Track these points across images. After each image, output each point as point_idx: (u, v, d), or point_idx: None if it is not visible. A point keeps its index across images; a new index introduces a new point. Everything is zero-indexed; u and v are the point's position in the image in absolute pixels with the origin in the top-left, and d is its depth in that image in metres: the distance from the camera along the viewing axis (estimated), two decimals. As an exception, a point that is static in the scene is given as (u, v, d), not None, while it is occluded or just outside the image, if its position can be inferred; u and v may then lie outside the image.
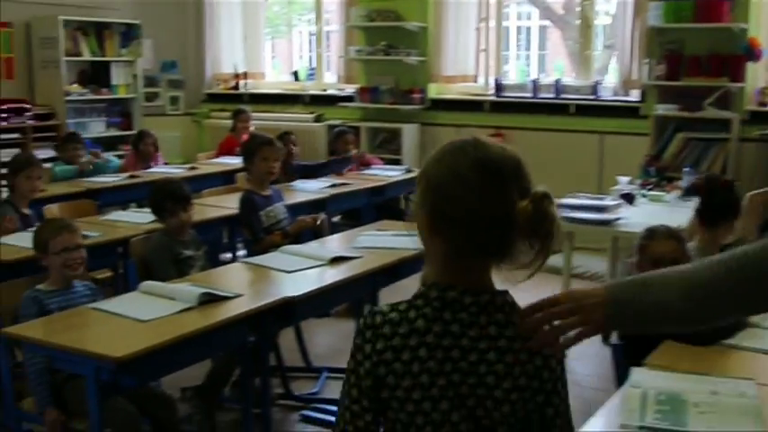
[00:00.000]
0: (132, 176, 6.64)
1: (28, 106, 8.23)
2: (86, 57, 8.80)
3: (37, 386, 3.13)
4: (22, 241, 4.05)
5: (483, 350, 1.55)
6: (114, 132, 8.96)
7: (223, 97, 9.64)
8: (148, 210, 4.44)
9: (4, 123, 7.98)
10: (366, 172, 6.94)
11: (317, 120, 8.85)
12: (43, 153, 8.09)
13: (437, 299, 1.57)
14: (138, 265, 4.01)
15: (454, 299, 1.57)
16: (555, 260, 4.18)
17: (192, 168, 7.20)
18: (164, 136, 8.98)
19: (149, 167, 7.10)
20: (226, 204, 5.43)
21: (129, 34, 9.08)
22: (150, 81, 9.50)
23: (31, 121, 8.19)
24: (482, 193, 1.53)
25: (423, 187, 1.59)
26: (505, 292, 1.61)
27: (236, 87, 9.60)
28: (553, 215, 1.54)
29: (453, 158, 1.58)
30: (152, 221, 4.47)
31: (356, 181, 6.57)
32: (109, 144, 8.82)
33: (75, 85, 8.72)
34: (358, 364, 1.58)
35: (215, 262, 5.27)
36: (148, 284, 3.39)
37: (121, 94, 9.06)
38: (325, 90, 9.21)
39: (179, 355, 2.97)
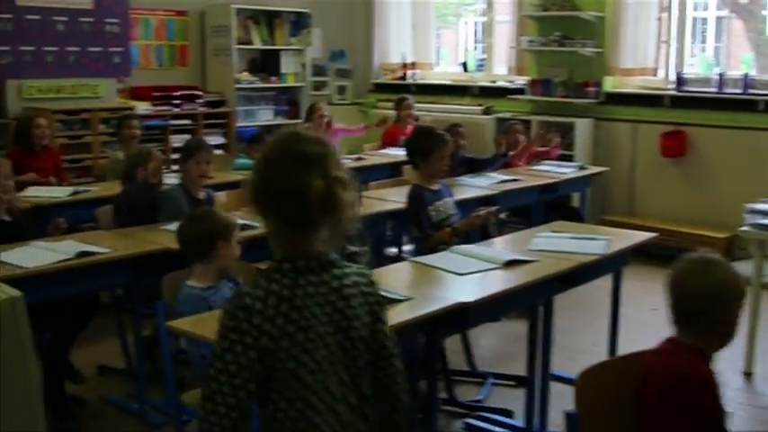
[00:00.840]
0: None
1: (200, 93, 8.35)
2: (257, 45, 8.85)
3: None
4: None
5: (333, 300, 1.90)
6: (282, 120, 8.98)
7: (390, 87, 9.49)
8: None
9: (177, 110, 8.12)
10: (537, 168, 6.62)
11: (486, 112, 8.57)
12: (213, 140, 8.22)
13: (290, 269, 1.89)
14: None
15: (304, 265, 1.89)
16: (744, 268, 3.82)
17: (359, 159, 7.08)
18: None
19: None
20: (392, 198, 5.27)
21: (299, 23, 9.09)
22: (318, 70, 9.48)
23: (202, 108, 8.31)
24: (288, 174, 1.85)
25: (251, 176, 1.93)
26: (330, 253, 1.95)
27: (404, 78, 9.45)
28: (339, 196, 1.86)
29: (270, 148, 1.94)
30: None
31: (526, 177, 6.27)
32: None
33: (246, 73, 8.79)
34: (235, 343, 1.80)
35: (380, 258, 5.14)
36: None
37: (290, 83, 9.07)
38: (494, 82, 8.92)
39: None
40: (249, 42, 8.76)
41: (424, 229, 4.42)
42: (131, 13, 8.01)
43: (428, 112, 8.44)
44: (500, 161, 6.70)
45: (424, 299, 3.18)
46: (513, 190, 5.92)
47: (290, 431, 1.85)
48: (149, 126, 7.82)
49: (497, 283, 3.46)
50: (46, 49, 7.31)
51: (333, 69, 9.64)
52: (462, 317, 3.18)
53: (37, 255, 3.75)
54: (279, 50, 9.00)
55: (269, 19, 8.94)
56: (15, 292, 1.71)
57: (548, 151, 6.95)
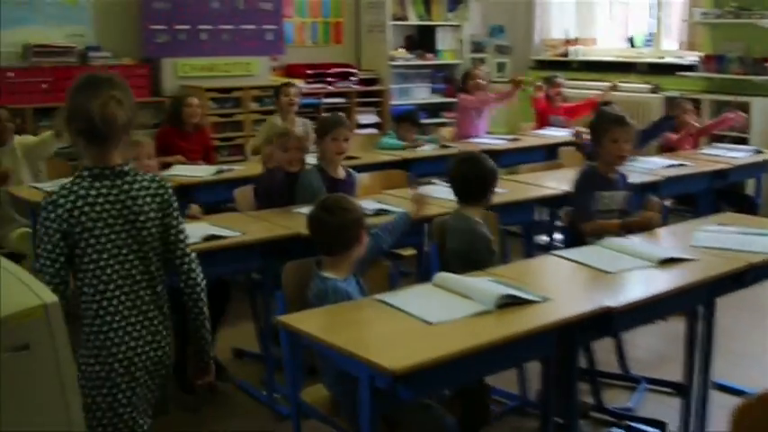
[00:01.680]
0: (444, 146, 6.30)
1: (354, 71, 8.20)
2: (412, 21, 8.61)
3: None
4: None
5: (123, 200, 2.41)
6: (438, 99, 8.73)
7: (551, 64, 9.03)
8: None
9: (331, 88, 8.01)
10: (706, 152, 6.08)
11: (654, 91, 8.01)
12: (366, 118, 8.10)
13: (89, 175, 2.40)
14: (440, 248, 3.61)
15: (99, 173, 2.40)
16: None
17: (515, 140, 6.73)
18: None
19: (470, 136, 6.71)
20: (545, 182, 4.92)
21: (457, -3, 8.80)
22: (477, 47, 9.15)
23: (356, 86, 8.16)
24: (80, 99, 2.34)
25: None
26: (126, 164, 2.46)
27: (566, 54, 8.98)
28: (114, 113, 2.34)
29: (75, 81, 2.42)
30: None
31: (694, 161, 5.75)
32: (432, 110, 8.65)
33: (401, 50, 8.58)
34: (47, 228, 2.35)
35: (529, 246, 4.81)
36: (443, 277, 2.96)
37: (446, 60, 8.80)
38: (662, 58, 8.32)
39: (467, 367, 2.51)
40: (404, 18, 8.53)
41: (583, 211, 3.98)
42: (285, -9, 7.96)
43: (591, 90, 7.95)
44: (668, 123, 6.18)
45: (564, 300, 2.85)
46: (680, 176, 5.41)
47: (89, 296, 2.42)
48: (302, 104, 7.74)
49: (650, 284, 3.07)
50: (201, 27, 7.34)
51: (492, 46, 9.28)
52: (606, 323, 2.82)
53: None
54: (435, 26, 8.74)
55: (425, -6, 8.69)
56: (50, 297, 1.52)
57: (721, 121, 6.40)
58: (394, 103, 8.44)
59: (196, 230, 3.70)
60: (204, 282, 2.60)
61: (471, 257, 3.41)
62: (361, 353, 2.36)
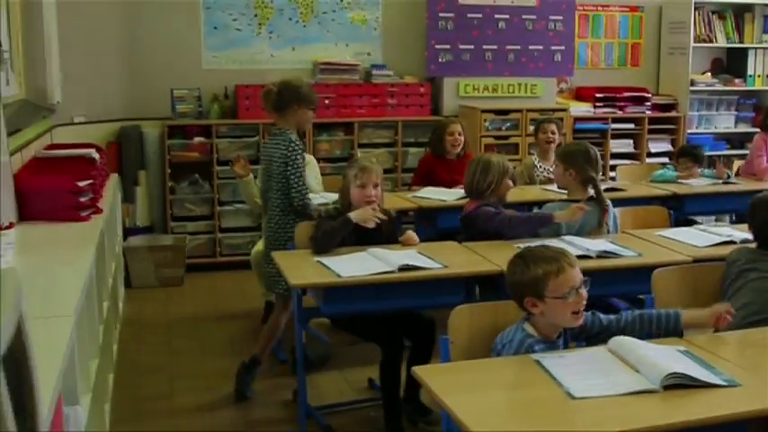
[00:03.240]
0: (727, 183, 5.70)
1: (648, 95, 7.69)
2: (720, 43, 7.91)
3: None
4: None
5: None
6: (743, 128, 7.95)
7: None
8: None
9: (621, 112, 7.57)
10: None
11: None
12: (657, 146, 7.61)
13: None
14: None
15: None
16: None
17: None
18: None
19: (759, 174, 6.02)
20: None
21: (774, 18, 7.95)
22: (797, 72, 8.21)
23: (649, 112, 7.64)
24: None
25: None
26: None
27: None
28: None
29: None
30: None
31: None
32: (735, 141, 7.93)
33: (706, 74, 7.92)
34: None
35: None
36: (619, 341, 2.59)
37: (757, 86, 7.98)
38: None
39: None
40: (710, 40, 7.85)
41: None
42: (580, 10, 7.64)
43: None
44: None
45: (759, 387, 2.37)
46: None
47: None
48: (587, 129, 7.43)
49: None
50: (485, 47, 7.25)
51: (816, 71, 8.27)
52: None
53: (362, 263, 3.60)
54: (747, 48, 7.94)
55: (738, 13, 7.92)
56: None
57: None
58: (692, 131, 7.81)
59: (399, 258, 3.61)
60: None
61: None
62: (468, 423, 2.11)
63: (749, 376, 2.40)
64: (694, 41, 7.71)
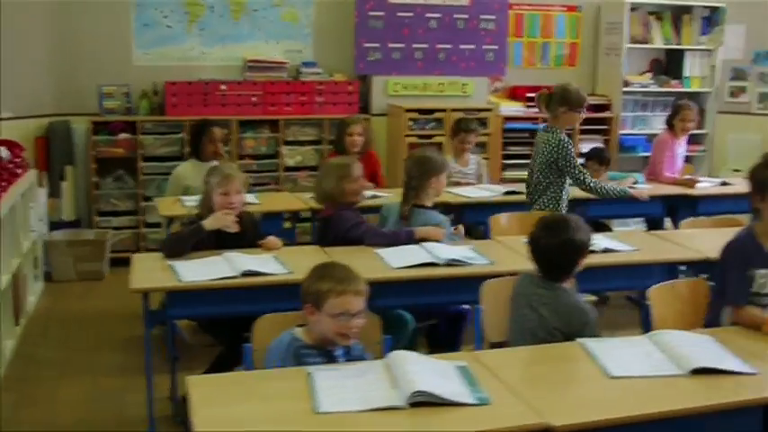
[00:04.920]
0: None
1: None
2: (656, 44, 7.93)
3: None
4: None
5: None
6: (679, 130, 7.95)
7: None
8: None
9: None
10: None
11: None
12: (591, 146, 7.59)
13: None
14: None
15: None
16: None
17: (724, 184, 5.99)
18: (738, 138, 7.82)
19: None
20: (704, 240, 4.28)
21: (712, 20, 7.96)
22: (737, 74, 8.22)
23: (581, 112, 7.66)
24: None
25: None
26: None
27: None
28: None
29: None
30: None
31: None
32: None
33: (643, 75, 7.94)
34: None
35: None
36: (395, 355, 2.65)
37: (693, 88, 7.99)
38: None
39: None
40: (647, 41, 7.87)
41: (733, 292, 3.22)
42: (516, 9, 7.66)
43: None
44: None
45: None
46: None
47: None
48: (517, 129, 7.46)
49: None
50: (415, 46, 7.29)
51: (755, 74, 8.27)
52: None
53: (211, 267, 3.66)
54: (684, 50, 7.96)
55: (676, 15, 7.94)
56: None
57: None
58: (625, 132, 7.84)
59: (245, 263, 3.67)
60: None
61: None
62: None
63: (509, 395, 2.46)
64: (631, 42, 7.73)
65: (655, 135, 7.69)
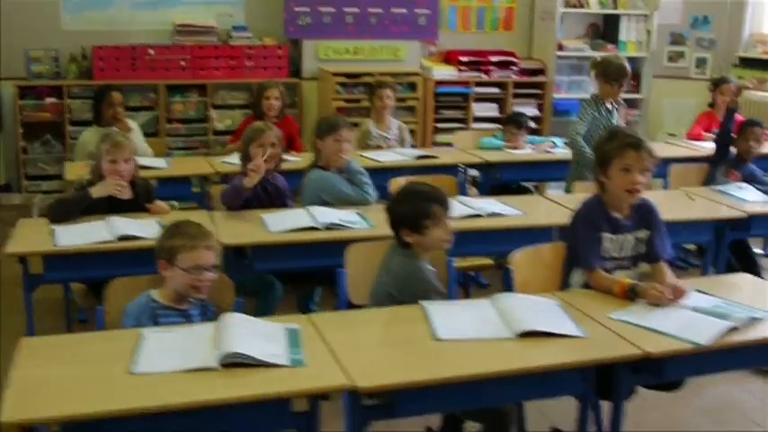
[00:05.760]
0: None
1: (514, 59, 7.72)
2: (592, 9, 7.93)
3: None
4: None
5: None
6: (614, 94, 7.99)
7: (759, 63, 7.92)
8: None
9: (486, 77, 7.62)
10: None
11: None
12: (525, 111, 7.61)
13: None
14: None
15: None
16: None
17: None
18: (675, 102, 7.87)
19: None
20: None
21: (650, -17, 7.97)
22: (675, 38, 8.25)
23: (515, 77, 7.69)
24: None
25: None
26: None
27: (775, 52, 7.83)
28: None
29: None
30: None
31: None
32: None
33: (578, 40, 7.96)
34: None
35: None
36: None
37: (629, 53, 8.00)
38: None
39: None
40: (582, 5, 7.88)
41: (585, 256, 3.25)
42: (452, -27, 7.66)
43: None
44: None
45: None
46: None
47: None
48: (449, 93, 7.49)
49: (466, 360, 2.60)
50: (346, 10, 7.28)
51: (693, 38, 8.30)
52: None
53: (90, 232, 3.71)
54: (620, 15, 7.98)
55: (612, -21, 7.96)
56: None
57: None
58: (560, 96, 7.87)
59: (124, 227, 3.71)
60: None
61: None
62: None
63: (328, 358, 2.52)
64: (566, 7, 7.74)
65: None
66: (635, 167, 3.19)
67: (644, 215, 3.36)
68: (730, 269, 4.58)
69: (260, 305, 3.95)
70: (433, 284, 3.13)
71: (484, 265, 4.69)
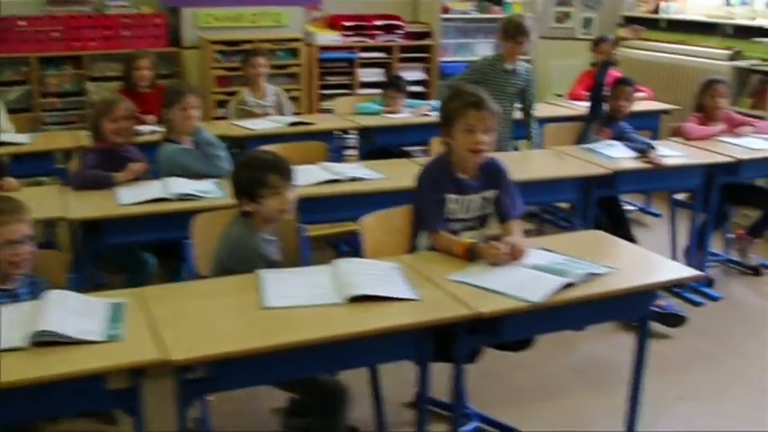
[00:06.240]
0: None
1: (400, 23, 7.66)
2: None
3: None
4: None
5: None
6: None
7: (642, 22, 7.99)
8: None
9: (371, 41, 7.55)
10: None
11: (732, 58, 6.88)
12: (412, 75, 7.59)
13: None
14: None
15: None
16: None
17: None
18: (562, 64, 7.91)
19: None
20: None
21: (531, -56, 7.98)
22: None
23: (401, 40, 7.64)
24: None
25: None
26: None
27: (656, 11, 7.91)
28: None
29: None
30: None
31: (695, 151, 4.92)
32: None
33: (464, 3, 7.93)
34: None
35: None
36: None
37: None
38: (754, 19, 7.09)
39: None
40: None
41: (427, 217, 3.24)
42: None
43: (669, 54, 7.04)
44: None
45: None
46: (637, 170, 4.62)
47: None
48: (333, 58, 7.39)
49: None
50: (225, -25, 7.13)
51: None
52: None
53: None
54: (506, -24, 8.00)
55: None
56: None
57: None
58: (447, 59, 7.85)
59: None
60: None
61: None
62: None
63: (146, 332, 2.44)
64: (450, -33, 7.72)
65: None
66: (477, 127, 3.17)
67: (491, 174, 3.34)
68: (599, 227, 4.62)
69: (130, 282, 3.83)
70: (259, 252, 3.06)
71: (347, 231, 4.64)
